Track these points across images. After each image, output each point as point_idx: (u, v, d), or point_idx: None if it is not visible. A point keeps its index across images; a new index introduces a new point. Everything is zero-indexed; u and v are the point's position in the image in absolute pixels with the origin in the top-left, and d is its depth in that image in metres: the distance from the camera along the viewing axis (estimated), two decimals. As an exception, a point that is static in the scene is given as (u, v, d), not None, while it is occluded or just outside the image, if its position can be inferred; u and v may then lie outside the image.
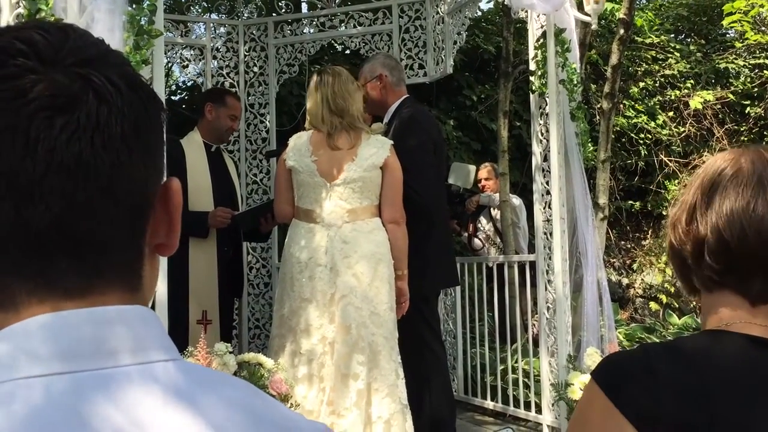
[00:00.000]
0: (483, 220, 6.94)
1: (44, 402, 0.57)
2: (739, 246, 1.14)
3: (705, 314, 1.21)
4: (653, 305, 8.95)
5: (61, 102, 0.60)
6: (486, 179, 7.02)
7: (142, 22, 2.60)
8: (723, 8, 9.33)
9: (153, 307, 2.87)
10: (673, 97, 10.16)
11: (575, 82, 4.39)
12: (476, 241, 6.68)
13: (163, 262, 2.61)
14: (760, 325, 1.15)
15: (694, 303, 8.18)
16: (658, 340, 6.28)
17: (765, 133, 10.41)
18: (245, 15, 6.17)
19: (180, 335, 3.61)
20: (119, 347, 0.61)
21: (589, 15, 4.52)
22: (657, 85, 10.25)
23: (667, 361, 1.13)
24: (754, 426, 1.08)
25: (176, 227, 0.68)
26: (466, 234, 6.71)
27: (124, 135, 0.62)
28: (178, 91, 8.83)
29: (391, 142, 3.70)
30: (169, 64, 7.28)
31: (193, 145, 4.50)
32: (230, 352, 3.17)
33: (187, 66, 5.91)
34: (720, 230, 1.15)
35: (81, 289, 0.62)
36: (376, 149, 3.62)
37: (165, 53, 5.10)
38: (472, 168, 6.43)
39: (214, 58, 5.80)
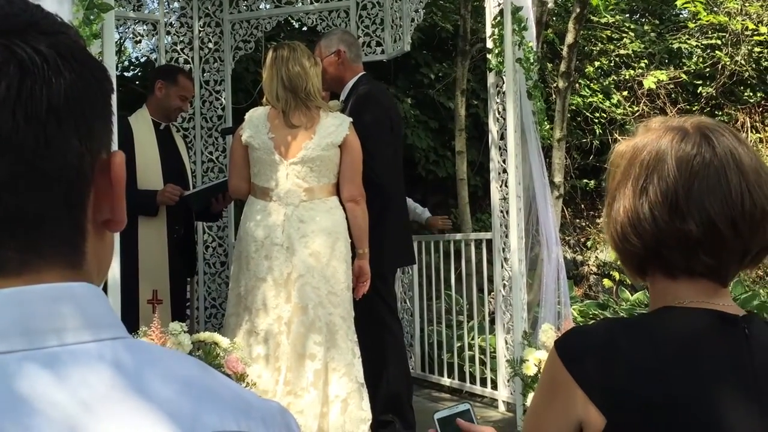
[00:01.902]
0: None
1: None
2: (734, 237, 1.12)
3: (663, 295, 1.19)
4: (607, 282, 9.10)
5: None
6: None
7: (91, -5, 2.54)
8: (677, -11, 9.45)
9: (105, 287, 2.83)
10: (627, 77, 10.28)
11: (532, 61, 4.41)
12: None
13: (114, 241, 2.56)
14: (723, 304, 1.16)
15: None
16: (611, 316, 6.40)
17: (716, 112, 10.61)
18: (199, -11, 6.05)
19: (130, 315, 3.55)
20: (63, 325, 0.59)
21: (545, -7, 4.53)
22: (612, 64, 10.36)
23: (628, 337, 1.13)
24: (712, 402, 1.09)
25: (120, 202, 0.66)
26: None
27: (50, 107, 0.59)
28: (131, 67, 8.66)
29: (350, 119, 3.67)
30: (122, 40, 7.13)
31: (141, 122, 4.41)
32: (185, 332, 3.14)
33: (139, 41, 5.81)
34: (715, 225, 1.12)
35: (16, 266, 0.60)
36: (335, 127, 3.59)
37: (117, 28, 5.00)
38: None
39: (168, 33, 5.69)
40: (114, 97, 0.69)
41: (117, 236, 2.57)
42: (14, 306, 0.58)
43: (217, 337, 3.24)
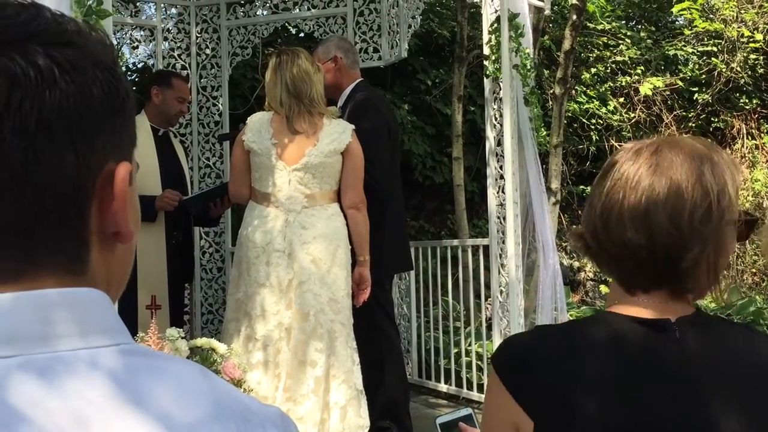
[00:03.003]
0: None
1: None
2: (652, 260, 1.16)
3: (611, 299, 1.25)
4: (603, 288, 9.10)
5: None
6: None
7: (90, 1, 2.54)
8: (673, -4, 9.48)
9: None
10: (623, 83, 10.30)
11: (528, 67, 4.42)
12: None
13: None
14: (650, 309, 1.19)
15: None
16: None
17: (712, 119, 10.64)
18: (197, -4, 6.06)
19: (128, 321, 3.53)
20: (59, 331, 0.59)
21: (542, 0, 4.54)
22: (608, 71, 10.38)
23: (551, 342, 1.19)
24: (625, 402, 1.12)
25: (122, 214, 0.65)
26: None
27: (41, 120, 0.59)
28: (128, 73, 8.66)
29: (353, 126, 3.67)
30: (119, 45, 7.13)
31: (140, 129, 4.39)
32: (182, 338, 3.13)
33: (137, 47, 5.81)
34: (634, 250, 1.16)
35: (12, 275, 0.59)
36: (338, 134, 3.58)
37: (114, 34, 5.00)
38: None
39: (165, 39, 5.70)
40: (133, 110, 0.68)
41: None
42: (8, 312, 0.58)
43: (214, 343, 3.23)
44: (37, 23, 0.62)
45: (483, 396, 4.96)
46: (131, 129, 0.68)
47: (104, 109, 0.63)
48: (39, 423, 0.54)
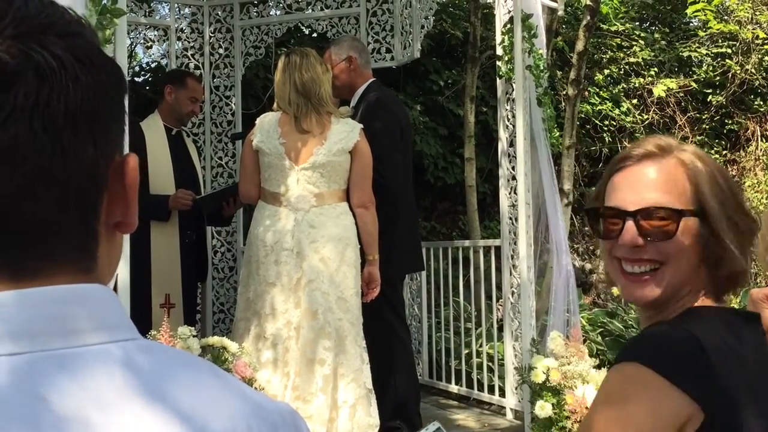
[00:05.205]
0: None
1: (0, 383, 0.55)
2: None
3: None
4: (615, 290, 9.05)
5: None
6: None
7: (105, 1, 2.55)
8: (687, -3, 9.44)
9: (115, 290, 2.83)
10: (637, 85, 10.26)
11: (542, 68, 4.41)
12: None
13: (125, 247, 2.56)
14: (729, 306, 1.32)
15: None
16: (620, 325, 6.37)
17: (726, 121, 10.58)
18: (210, -5, 6.07)
19: (143, 319, 3.57)
20: (78, 327, 0.59)
21: (555, 1, 4.53)
22: (621, 72, 10.34)
23: (709, 336, 1.18)
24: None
25: (133, 205, 0.66)
26: None
27: (68, 114, 0.59)
28: (142, 73, 8.69)
29: (361, 125, 3.67)
30: (133, 45, 7.16)
31: (154, 128, 4.43)
32: (194, 336, 3.15)
33: (150, 47, 5.85)
34: None
35: (30, 272, 0.60)
36: (346, 133, 3.59)
37: (128, 33, 5.02)
38: None
39: (179, 39, 5.72)
40: (126, 98, 0.68)
41: (127, 241, 2.58)
42: (24, 308, 0.58)
43: (225, 341, 3.24)
44: (48, 14, 0.61)
45: (493, 397, 4.97)
46: (125, 118, 0.68)
47: (114, 99, 0.64)
48: (61, 415, 0.55)
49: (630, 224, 1.25)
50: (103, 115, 0.62)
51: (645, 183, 1.27)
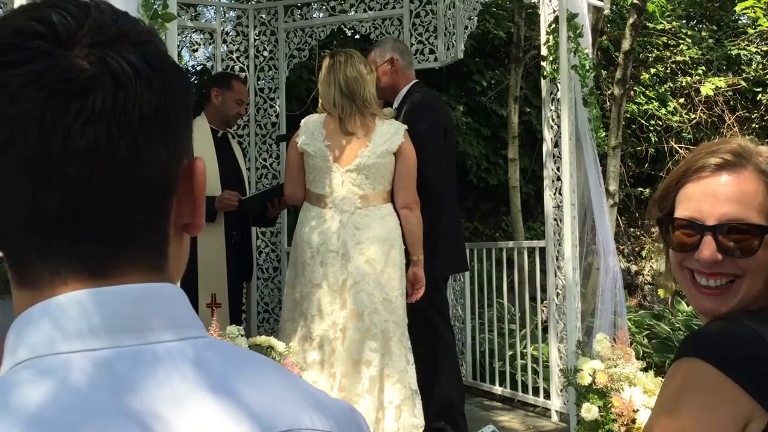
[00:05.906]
0: None
1: (82, 378, 0.58)
2: None
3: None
4: (662, 292, 8.92)
5: (76, 87, 0.59)
6: None
7: (156, 5, 2.60)
8: (736, -6, 9.26)
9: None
10: (684, 84, 10.09)
11: (587, 68, 4.37)
12: None
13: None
14: None
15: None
16: (667, 327, 6.27)
17: (776, 120, 10.35)
18: (255, -1, 6.15)
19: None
20: (151, 324, 0.62)
21: (601, 0, 4.49)
22: (668, 71, 10.19)
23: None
24: None
25: (201, 207, 0.68)
26: None
27: (142, 119, 0.61)
28: (188, 75, 8.82)
29: (405, 126, 3.67)
30: (179, 48, 7.27)
31: (200, 129, 4.49)
32: (242, 335, 3.19)
33: (196, 50, 5.91)
34: None
35: (105, 270, 0.62)
36: (390, 135, 3.60)
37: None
38: None
39: (224, 42, 5.79)
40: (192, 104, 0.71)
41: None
42: (102, 306, 0.61)
43: (273, 341, 3.28)
44: (122, 22, 0.64)
45: (538, 399, 4.94)
46: (192, 124, 0.71)
47: (183, 105, 0.66)
48: (137, 410, 0.57)
49: (708, 239, 1.21)
50: (173, 120, 0.65)
51: (724, 196, 1.22)
